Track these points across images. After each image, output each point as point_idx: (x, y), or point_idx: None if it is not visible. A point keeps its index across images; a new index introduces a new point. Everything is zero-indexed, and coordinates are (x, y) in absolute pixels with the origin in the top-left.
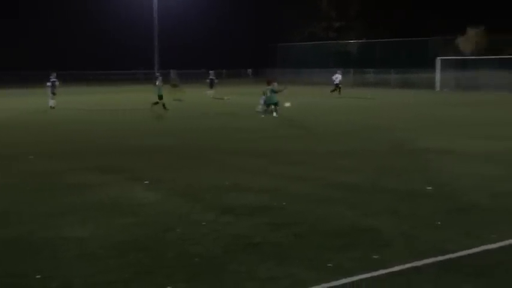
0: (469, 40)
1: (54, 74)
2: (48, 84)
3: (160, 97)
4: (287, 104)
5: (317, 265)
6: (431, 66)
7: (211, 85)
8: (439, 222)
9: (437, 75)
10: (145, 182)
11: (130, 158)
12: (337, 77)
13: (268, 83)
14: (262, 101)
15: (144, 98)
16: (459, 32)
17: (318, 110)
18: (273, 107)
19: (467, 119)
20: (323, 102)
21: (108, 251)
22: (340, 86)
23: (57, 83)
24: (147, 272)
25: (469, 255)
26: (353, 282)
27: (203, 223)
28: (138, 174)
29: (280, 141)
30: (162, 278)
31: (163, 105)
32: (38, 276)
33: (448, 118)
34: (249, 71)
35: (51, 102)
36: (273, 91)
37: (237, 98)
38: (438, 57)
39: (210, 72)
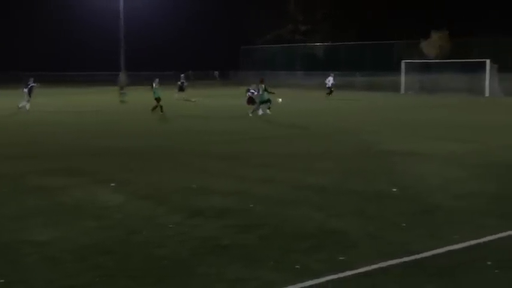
0: (432, 44)
1: (32, 79)
2: (25, 90)
3: (158, 99)
4: (279, 100)
5: (284, 267)
6: (396, 69)
7: (181, 88)
8: (404, 224)
9: (402, 78)
10: (112, 185)
11: (97, 160)
12: (329, 80)
13: (262, 82)
14: (249, 93)
15: (111, 100)
16: (423, 35)
17: (286, 112)
18: (259, 104)
19: (431, 122)
20: (290, 105)
21: (71, 255)
22: (332, 89)
23: (37, 85)
24: (111, 275)
25: (433, 256)
26: (320, 283)
27: (170, 225)
28: (104, 177)
29: (248, 143)
30: (128, 281)
31: (161, 107)
32: (1, 281)
33: (412, 121)
34: (216, 73)
35: (23, 103)
36: (266, 90)
37: (205, 100)
38: (403, 61)
39: (181, 76)
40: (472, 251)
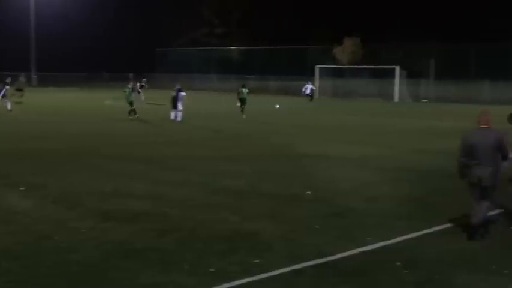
0: (345, 50)
1: (9, 79)
2: (6, 87)
3: (131, 103)
4: (277, 106)
5: (199, 270)
6: (310, 74)
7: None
8: (317, 226)
9: (316, 83)
10: (21, 189)
11: (7, 163)
12: (307, 88)
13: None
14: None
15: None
16: (337, 41)
17: (203, 115)
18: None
19: (344, 126)
20: (207, 108)
21: None
22: (311, 95)
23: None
24: (21, 281)
25: (346, 257)
26: (234, 286)
27: (82, 230)
28: (14, 180)
29: (164, 146)
30: (38, 287)
31: (134, 110)
32: None
33: (326, 125)
34: (131, 75)
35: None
36: (244, 88)
37: (119, 103)
38: (316, 66)
39: (144, 79)
40: (382, 252)
